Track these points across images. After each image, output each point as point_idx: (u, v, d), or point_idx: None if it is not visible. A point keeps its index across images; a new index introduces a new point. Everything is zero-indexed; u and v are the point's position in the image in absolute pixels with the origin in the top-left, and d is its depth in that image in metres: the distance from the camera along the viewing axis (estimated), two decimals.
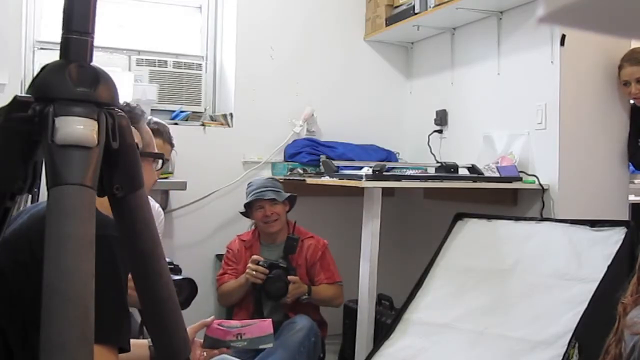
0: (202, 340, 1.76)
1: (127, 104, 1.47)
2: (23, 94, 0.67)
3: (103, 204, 0.76)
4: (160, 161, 1.47)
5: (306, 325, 2.65)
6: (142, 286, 0.77)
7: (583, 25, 0.37)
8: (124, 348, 1.11)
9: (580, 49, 2.83)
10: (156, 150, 1.49)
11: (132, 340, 1.23)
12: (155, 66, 3.50)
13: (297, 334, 2.60)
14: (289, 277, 2.73)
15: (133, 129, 0.77)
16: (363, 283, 2.75)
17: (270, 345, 1.85)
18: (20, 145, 0.69)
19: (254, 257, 2.78)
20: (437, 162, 3.35)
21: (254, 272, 2.72)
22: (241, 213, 3.04)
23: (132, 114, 1.39)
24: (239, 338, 1.76)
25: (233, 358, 1.88)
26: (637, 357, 1.56)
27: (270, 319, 1.88)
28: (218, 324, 1.77)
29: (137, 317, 2.01)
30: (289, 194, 2.95)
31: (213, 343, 1.74)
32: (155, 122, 2.21)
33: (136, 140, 0.76)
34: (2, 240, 1.10)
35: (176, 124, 3.42)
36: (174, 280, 1.89)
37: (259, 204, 2.89)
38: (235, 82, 3.55)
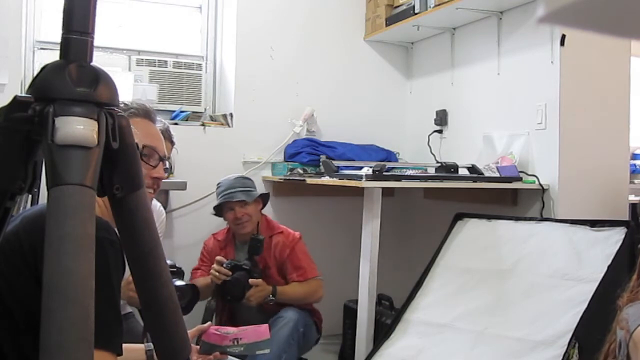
0: (198, 346, 1.76)
1: (144, 105, 1.46)
2: (23, 94, 0.67)
3: (99, 206, 0.75)
4: (157, 156, 1.45)
5: (292, 317, 2.61)
6: (142, 286, 0.77)
7: (583, 25, 0.37)
8: (117, 352, 1.11)
9: (580, 49, 2.83)
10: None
11: (128, 345, 1.23)
12: (155, 66, 3.50)
13: (284, 329, 2.56)
14: (251, 280, 2.62)
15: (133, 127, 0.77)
16: (363, 283, 2.75)
17: (267, 350, 1.84)
18: (20, 145, 0.69)
19: (218, 257, 2.70)
20: (437, 162, 3.35)
21: (217, 274, 2.64)
22: (213, 214, 2.93)
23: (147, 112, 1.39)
24: (236, 343, 1.75)
25: (232, 358, 1.88)
26: (624, 352, 1.57)
27: (267, 324, 1.88)
28: (215, 330, 1.77)
29: (139, 318, 2.01)
30: (260, 193, 2.87)
31: (209, 349, 1.74)
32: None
33: (136, 140, 0.76)
34: None
35: (176, 124, 3.42)
36: (178, 286, 1.89)
37: (228, 206, 2.80)
38: (235, 82, 3.55)
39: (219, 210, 2.88)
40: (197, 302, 2.35)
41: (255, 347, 1.79)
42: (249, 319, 2.56)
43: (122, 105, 1.41)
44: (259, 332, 1.81)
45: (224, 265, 2.66)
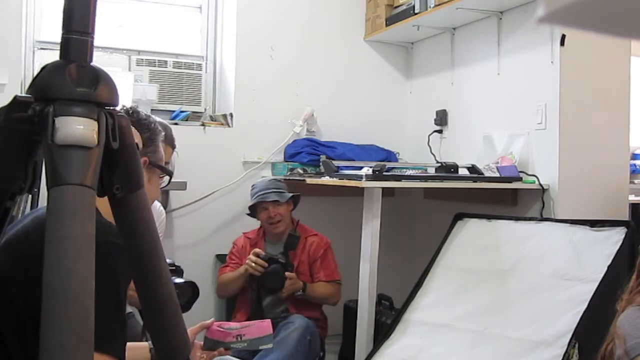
0: (201, 343, 1.76)
1: (148, 117, 1.47)
2: (23, 94, 0.67)
3: (106, 210, 0.75)
4: (167, 179, 1.48)
5: (301, 324, 2.69)
6: (141, 286, 0.77)
7: (583, 25, 0.37)
8: (120, 358, 1.11)
9: (580, 49, 2.83)
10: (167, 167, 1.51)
11: (133, 343, 1.23)
12: (155, 66, 3.50)
13: (293, 334, 2.63)
14: (286, 273, 2.80)
15: (133, 130, 0.77)
16: (363, 283, 2.75)
17: (270, 345, 1.86)
18: (20, 145, 0.69)
19: (255, 250, 2.85)
20: (437, 162, 3.35)
21: (253, 264, 2.79)
22: (247, 214, 3.08)
23: (152, 130, 1.41)
24: (239, 339, 1.76)
25: (232, 358, 1.89)
26: None
27: (269, 320, 1.89)
28: (218, 326, 1.78)
29: (139, 318, 2.00)
30: (292, 194, 2.99)
31: (213, 345, 1.75)
32: (159, 123, 2.21)
33: (136, 140, 0.76)
34: (5, 242, 1.10)
35: (176, 124, 3.42)
36: (176, 283, 1.89)
37: (262, 206, 2.95)
38: (235, 82, 3.55)
39: (253, 211, 3.02)
40: (198, 299, 2.38)
41: (259, 342, 1.81)
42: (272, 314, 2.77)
43: (155, 122, 1.44)
44: (261, 327, 1.82)
45: (261, 257, 2.82)
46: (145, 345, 1.50)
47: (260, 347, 1.87)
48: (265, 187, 2.98)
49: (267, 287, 2.84)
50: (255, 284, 2.88)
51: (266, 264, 2.80)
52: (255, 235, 3.07)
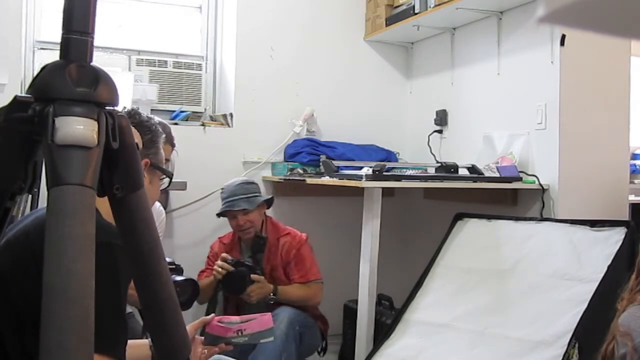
0: (203, 338, 1.77)
1: (149, 119, 1.48)
2: (23, 94, 0.67)
3: (106, 210, 0.75)
4: (167, 180, 1.49)
5: (286, 316, 2.60)
6: (141, 286, 0.77)
7: (583, 25, 0.37)
8: (120, 359, 1.11)
9: (580, 49, 2.83)
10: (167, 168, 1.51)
11: (133, 341, 1.23)
12: (155, 66, 3.50)
13: (280, 326, 2.55)
14: (252, 275, 2.66)
15: (133, 130, 0.77)
16: (363, 283, 2.75)
17: (271, 339, 1.86)
18: (20, 145, 0.69)
19: (223, 254, 2.73)
20: (437, 162, 3.35)
21: (220, 269, 2.67)
22: (218, 217, 2.95)
23: (153, 132, 1.42)
24: (240, 334, 1.77)
25: (227, 358, 1.89)
26: None
27: (270, 313, 1.89)
28: (218, 321, 1.78)
29: (139, 318, 2.01)
30: (263, 199, 2.88)
31: (214, 340, 1.75)
32: (159, 123, 2.22)
33: (136, 140, 0.76)
34: (5, 243, 1.10)
35: (176, 124, 3.42)
36: (177, 281, 1.90)
37: (231, 214, 2.83)
38: (235, 82, 3.55)
39: (222, 216, 2.90)
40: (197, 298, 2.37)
41: (260, 337, 1.81)
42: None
43: (156, 124, 1.45)
44: (262, 321, 1.82)
45: (228, 261, 2.68)
46: (145, 342, 1.51)
47: (262, 341, 1.87)
48: (233, 193, 2.82)
49: (228, 290, 2.70)
50: (219, 288, 2.73)
51: (232, 268, 2.66)
52: (230, 240, 2.95)
